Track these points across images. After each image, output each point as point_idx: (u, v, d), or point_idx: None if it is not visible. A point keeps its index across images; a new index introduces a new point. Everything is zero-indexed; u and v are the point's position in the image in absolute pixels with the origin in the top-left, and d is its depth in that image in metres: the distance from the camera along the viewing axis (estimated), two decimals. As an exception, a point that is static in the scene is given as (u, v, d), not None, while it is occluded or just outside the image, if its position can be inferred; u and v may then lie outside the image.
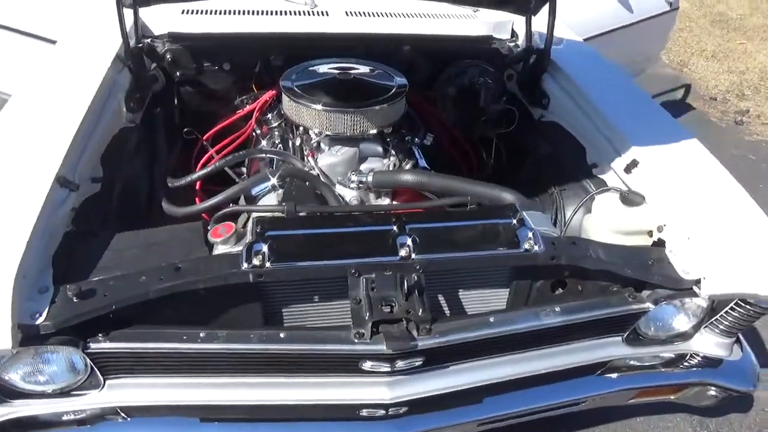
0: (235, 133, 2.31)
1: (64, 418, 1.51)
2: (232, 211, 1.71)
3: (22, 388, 1.42)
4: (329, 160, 1.94)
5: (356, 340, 1.39)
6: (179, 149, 2.24)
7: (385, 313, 1.40)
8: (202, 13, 2.42)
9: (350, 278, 1.44)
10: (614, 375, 1.79)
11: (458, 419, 1.66)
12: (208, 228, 1.52)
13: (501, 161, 2.47)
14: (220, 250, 1.48)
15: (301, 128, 2.07)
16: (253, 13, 2.45)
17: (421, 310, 1.41)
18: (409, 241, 1.47)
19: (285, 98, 2.01)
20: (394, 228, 1.51)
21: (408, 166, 2.01)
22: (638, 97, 2.18)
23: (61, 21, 2.56)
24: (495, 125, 2.41)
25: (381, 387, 1.52)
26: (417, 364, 1.47)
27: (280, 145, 2.17)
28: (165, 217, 1.89)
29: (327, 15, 2.49)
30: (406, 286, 1.42)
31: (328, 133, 1.97)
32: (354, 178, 1.89)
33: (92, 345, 1.35)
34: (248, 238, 1.47)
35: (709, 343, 1.75)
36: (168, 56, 2.26)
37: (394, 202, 1.95)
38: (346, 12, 2.53)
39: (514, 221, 1.58)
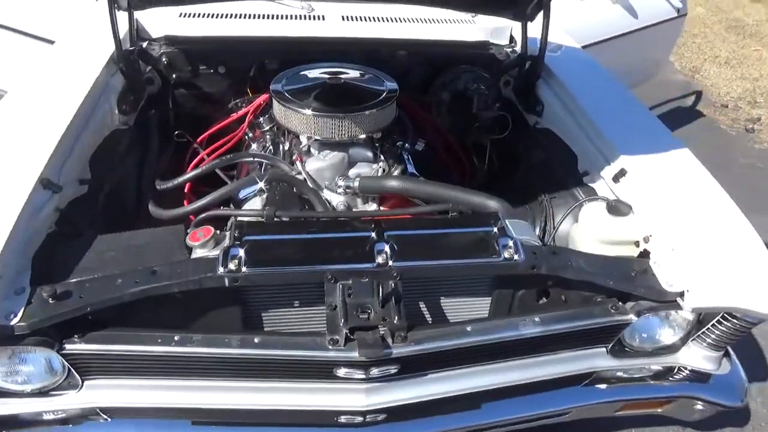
0: (228, 136, 2.32)
1: (45, 417, 1.52)
2: (212, 215, 1.71)
3: (0, 387, 1.43)
4: (317, 164, 1.94)
5: (330, 347, 1.39)
6: (171, 152, 2.25)
7: (361, 320, 1.40)
8: (199, 16, 2.44)
9: (327, 284, 1.44)
10: (603, 386, 1.77)
11: (438, 427, 1.64)
12: (188, 231, 1.52)
13: (494, 168, 2.45)
14: (198, 253, 1.48)
15: (292, 132, 2.07)
16: (250, 17, 2.47)
17: (396, 317, 1.40)
18: (386, 248, 1.47)
19: (275, 102, 2.02)
20: (373, 234, 1.51)
21: (396, 172, 2.00)
22: (631, 105, 2.15)
23: (61, 22, 2.59)
24: (488, 131, 2.40)
25: (358, 394, 1.51)
26: (392, 371, 1.46)
27: (271, 149, 2.18)
28: (152, 220, 1.90)
29: (323, 19, 2.50)
30: (382, 294, 1.41)
31: (317, 137, 1.97)
32: (341, 183, 1.90)
33: (67, 346, 1.36)
34: (226, 242, 1.48)
35: (696, 357, 1.72)
36: (164, 59, 2.28)
37: (382, 208, 1.95)
38: (343, 16, 2.53)
39: (495, 230, 1.57)
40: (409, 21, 2.58)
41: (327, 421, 1.58)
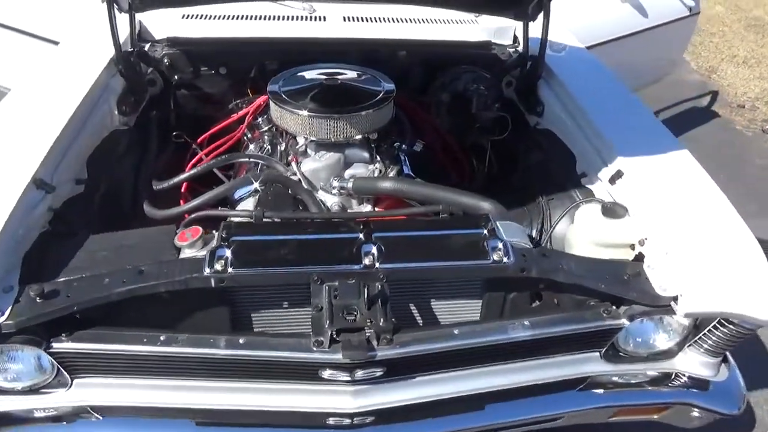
0: (227, 136, 2.33)
1: (36, 414, 1.54)
2: (202, 216, 1.72)
3: (-9, 385, 1.45)
4: (312, 165, 1.94)
5: (315, 348, 1.38)
6: (170, 152, 2.26)
7: (347, 321, 1.39)
8: (202, 17, 2.46)
9: (313, 285, 1.43)
10: (600, 391, 1.74)
11: (428, 431, 1.63)
12: (176, 232, 1.53)
13: (493, 169, 2.43)
14: (186, 254, 1.49)
15: (289, 133, 2.07)
16: (252, 18, 2.48)
17: (382, 319, 1.39)
18: (373, 250, 1.46)
19: (272, 103, 2.02)
20: (361, 236, 1.50)
21: (392, 173, 1.99)
22: (633, 106, 2.12)
23: (66, 23, 2.63)
24: (488, 132, 2.38)
25: (345, 396, 1.50)
26: (378, 374, 1.45)
27: (268, 149, 2.18)
28: (148, 220, 1.92)
29: (324, 20, 2.50)
30: (368, 295, 1.40)
31: (312, 138, 1.97)
32: (335, 183, 1.89)
33: (55, 345, 1.37)
34: (214, 242, 1.48)
35: (693, 363, 1.68)
36: (166, 60, 2.30)
37: (377, 209, 1.94)
38: (344, 17, 2.53)
39: (485, 231, 1.55)
40: (412, 22, 2.57)
41: (316, 422, 1.57)
